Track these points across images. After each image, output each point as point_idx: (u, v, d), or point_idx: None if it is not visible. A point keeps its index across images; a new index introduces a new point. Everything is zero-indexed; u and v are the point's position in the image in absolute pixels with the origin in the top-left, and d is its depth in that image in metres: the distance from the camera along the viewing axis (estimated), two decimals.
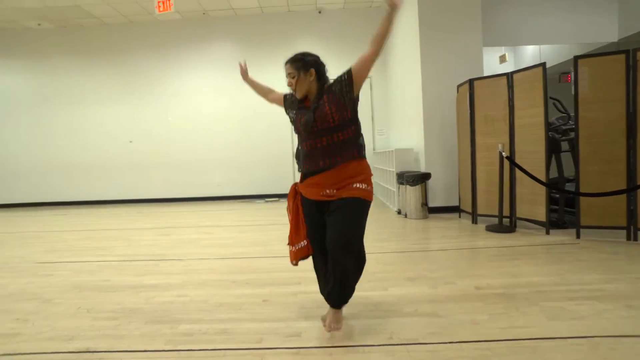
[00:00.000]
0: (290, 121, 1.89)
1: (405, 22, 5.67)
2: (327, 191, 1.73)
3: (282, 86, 1.83)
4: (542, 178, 3.52)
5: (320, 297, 1.90)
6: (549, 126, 3.62)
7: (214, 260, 3.21)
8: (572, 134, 3.70)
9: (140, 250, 3.68)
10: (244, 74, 2.16)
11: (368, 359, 1.55)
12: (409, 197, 4.74)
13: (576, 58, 3.32)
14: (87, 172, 7.99)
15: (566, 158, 3.92)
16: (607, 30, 5.50)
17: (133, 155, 7.93)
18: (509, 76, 3.90)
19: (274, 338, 1.75)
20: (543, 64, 3.53)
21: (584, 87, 3.31)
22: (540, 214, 3.63)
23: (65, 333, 1.89)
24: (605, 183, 3.25)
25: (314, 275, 1.96)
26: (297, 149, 1.88)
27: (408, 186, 4.71)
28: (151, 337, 1.81)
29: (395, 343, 1.66)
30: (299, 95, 1.80)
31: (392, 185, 5.50)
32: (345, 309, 1.90)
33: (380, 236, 3.84)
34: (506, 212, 3.90)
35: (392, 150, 5.48)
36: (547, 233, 3.57)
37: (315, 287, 1.97)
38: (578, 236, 3.38)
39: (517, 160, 3.76)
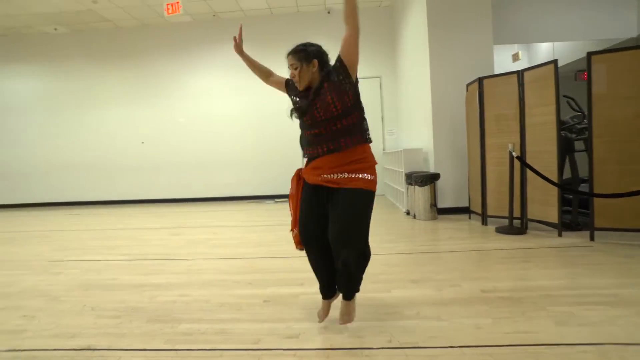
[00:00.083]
0: (294, 107, 1.81)
1: (414, 21, 5.60)
2: (328, 175, 1.69)
3: None
4: (554, 178, 3.41)
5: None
6: (563, 125, 3.51)
7: (219, 260, 3.22)
8: (587, 133, 3.59)
9: (148, 249, 3.72)
10: (238, 47, 2.01)
11: None
12: (417, 197, 4.68)
13: (589, 54, 3.22)
14: (100, 173, 8.16)
15: (582, 158, 3.79)
16: (625, 26, 5.30)
17: (145, 156, 8.06)
18: (520, 74, 3.80)
19: (272, 339, 1.74)
20: (555, 61, 3.43)
21: (598, 85, 3.20)
22: (552, 215, 3.52)
23: (69, 330, 1.92)
24: (621, 184, 3.13)
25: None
26: (301, 135, 1.84)
27: (417, 187, 4.64)
28: (151, 336, 1.82)
29: (394, 347, 1.62)
30: (301, 87, 1.77)
31: (401, 185, 5.43)
32: None
33: (388, 237, 3.80)
34: (517, 213, 3.80)
35: (400, 151, 5.41)
36: (560, 235, 3.46)
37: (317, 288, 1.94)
38: (592, 238, 3.27)
39: (528, 160, 3.66)
